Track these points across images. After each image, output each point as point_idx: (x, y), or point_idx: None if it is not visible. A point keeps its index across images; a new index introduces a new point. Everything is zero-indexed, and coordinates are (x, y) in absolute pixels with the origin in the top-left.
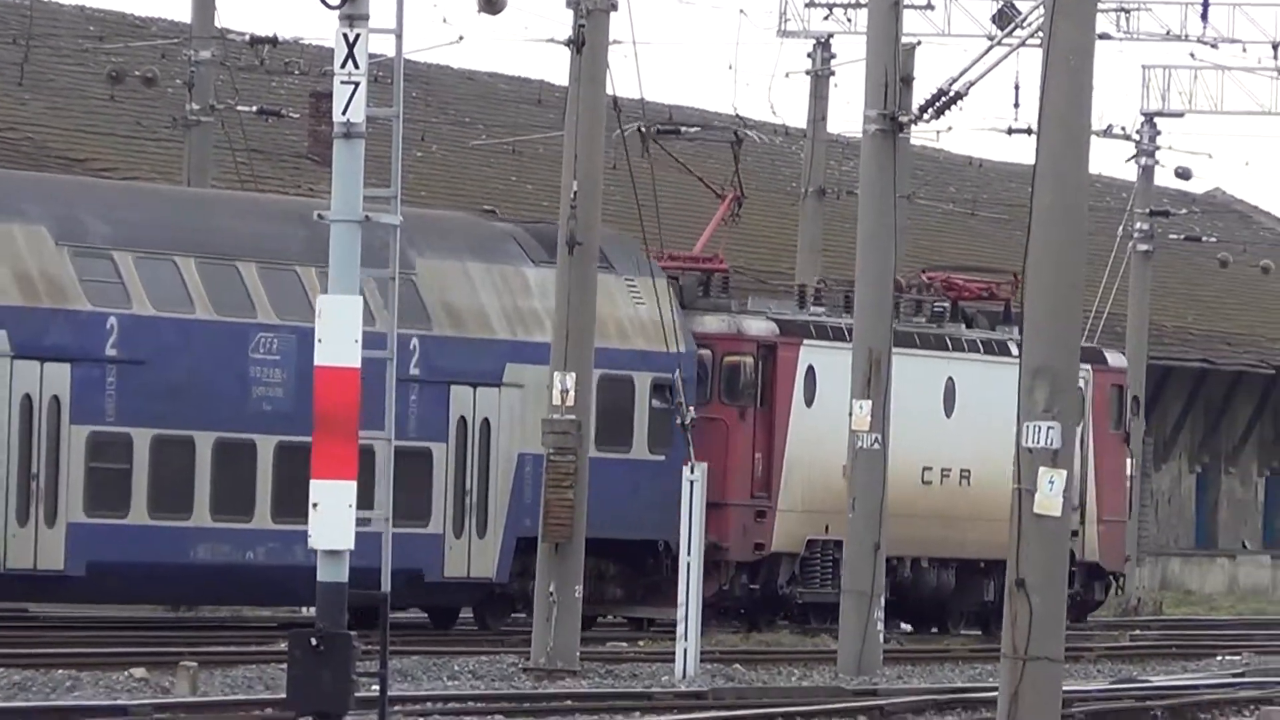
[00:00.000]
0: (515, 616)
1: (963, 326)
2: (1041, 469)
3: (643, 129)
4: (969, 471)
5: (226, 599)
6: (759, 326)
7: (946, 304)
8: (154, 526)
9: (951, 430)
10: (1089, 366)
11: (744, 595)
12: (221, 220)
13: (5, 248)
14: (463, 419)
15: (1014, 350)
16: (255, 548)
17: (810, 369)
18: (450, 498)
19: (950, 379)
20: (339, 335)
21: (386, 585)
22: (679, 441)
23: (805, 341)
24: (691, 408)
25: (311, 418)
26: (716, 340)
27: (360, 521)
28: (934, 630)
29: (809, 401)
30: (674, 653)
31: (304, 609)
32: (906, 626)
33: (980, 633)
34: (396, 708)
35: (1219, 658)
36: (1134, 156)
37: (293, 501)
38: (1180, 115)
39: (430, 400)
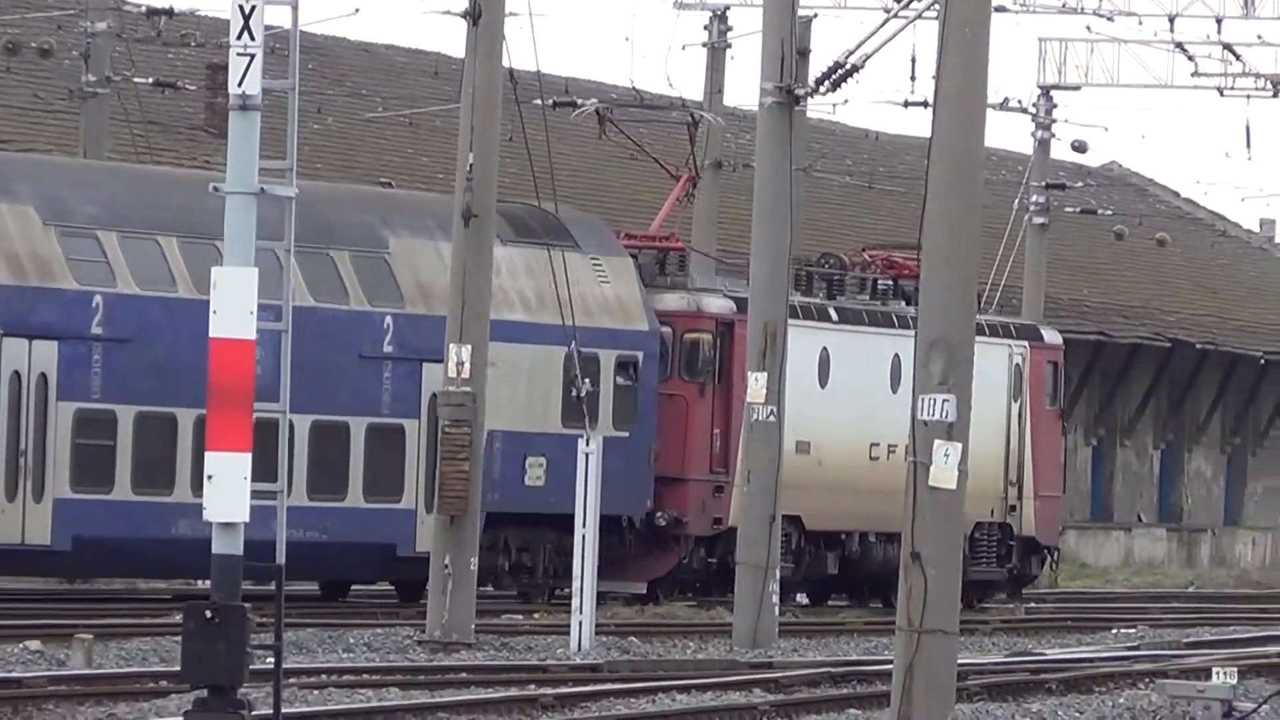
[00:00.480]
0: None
1: (903, 304)
2: (937, 441)
3: (600, 111)
4: None
5: (208, 573)
6: (718, 305)
7: (890, 282)
8: (138, 502)
9: (897, 407)
10: (1026, 343)
11: (701, 569)
12: (200, 200)
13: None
14: (434, 395)
15: None
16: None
17: None
18: (421, 474)
19: (896, 355)
20: (234, 307)
21: (281, 557)
22: (644, 418)
23: None
24: (587, 380)
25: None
26: (677, 318)
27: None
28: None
29: None
30: (569, 626)
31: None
32: (802, 598)
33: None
34: (292, 680)
35: (1114, 631)
36: (1031, 130)
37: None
38: (1076, 88)
39: (403, 378)
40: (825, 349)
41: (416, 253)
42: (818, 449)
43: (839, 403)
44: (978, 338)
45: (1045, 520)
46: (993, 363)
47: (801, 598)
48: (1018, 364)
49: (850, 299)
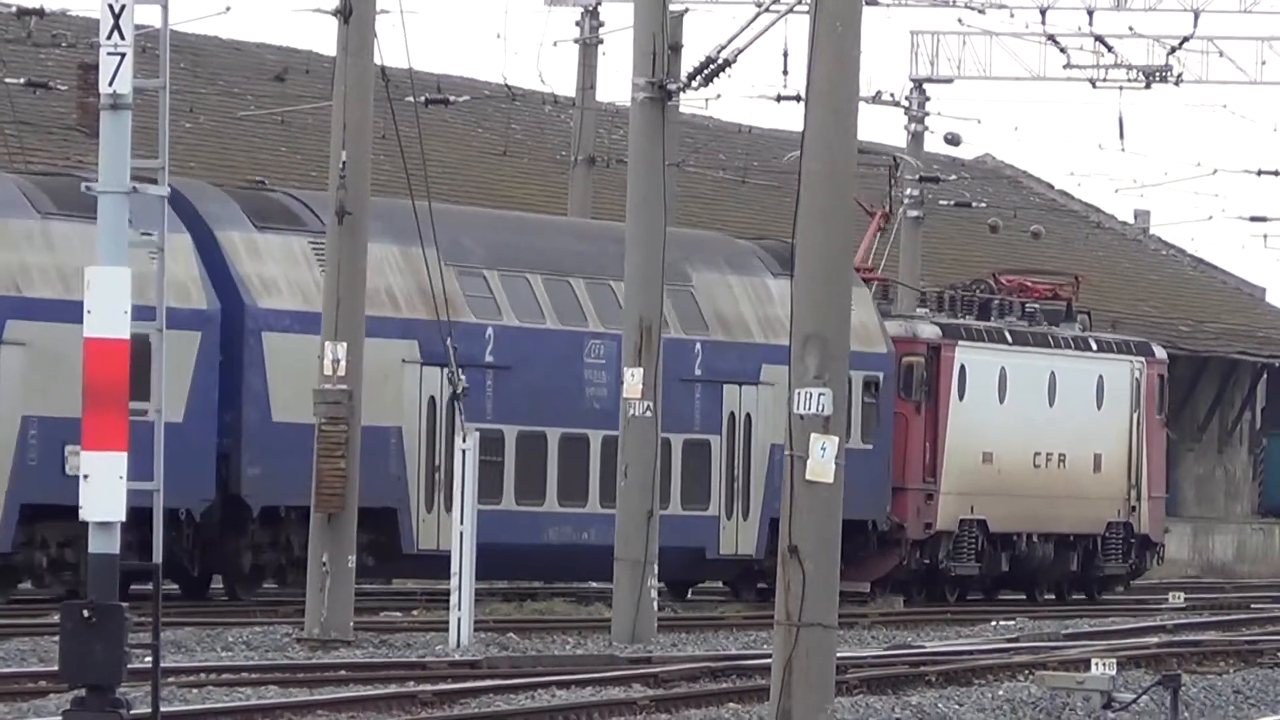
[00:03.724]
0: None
1: (1054, 325)
2: (813, 435)
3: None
4: (1065, 455)
5: (571, 575)
6: (929, 331)
7: (1036, 306)
8: (519, 511)
9: (1053, 419)
10: (1142, 359)
11: (917, 569)
12: (558, 241)
13: (414, 267)
14: (732, 414)
15: (1094, 346)
16: (589, 529)
17: (962, 367)
18: (724, 484)
19: (1053, 373)
20: (108, 307)
21: (158, 556)
22: (883, 432)
23: (960, 343)
24: (464, 376)
25: None
26: (895, 343)
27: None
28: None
29: (961, 396)
30: (448, 623)
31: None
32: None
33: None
34: (170, 679)
35: (993, 623)
36: (904, 123)
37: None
38: (949, 81)
39: (709, 398)
40: (1003, 369)
41: (714, 286)
42: (998, 459)
43: (1012, 416)
44: (1108, 355)
45: (1155, 519)
46: (1119, 378)
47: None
48: (1136, 378)
49: (1010, 322)
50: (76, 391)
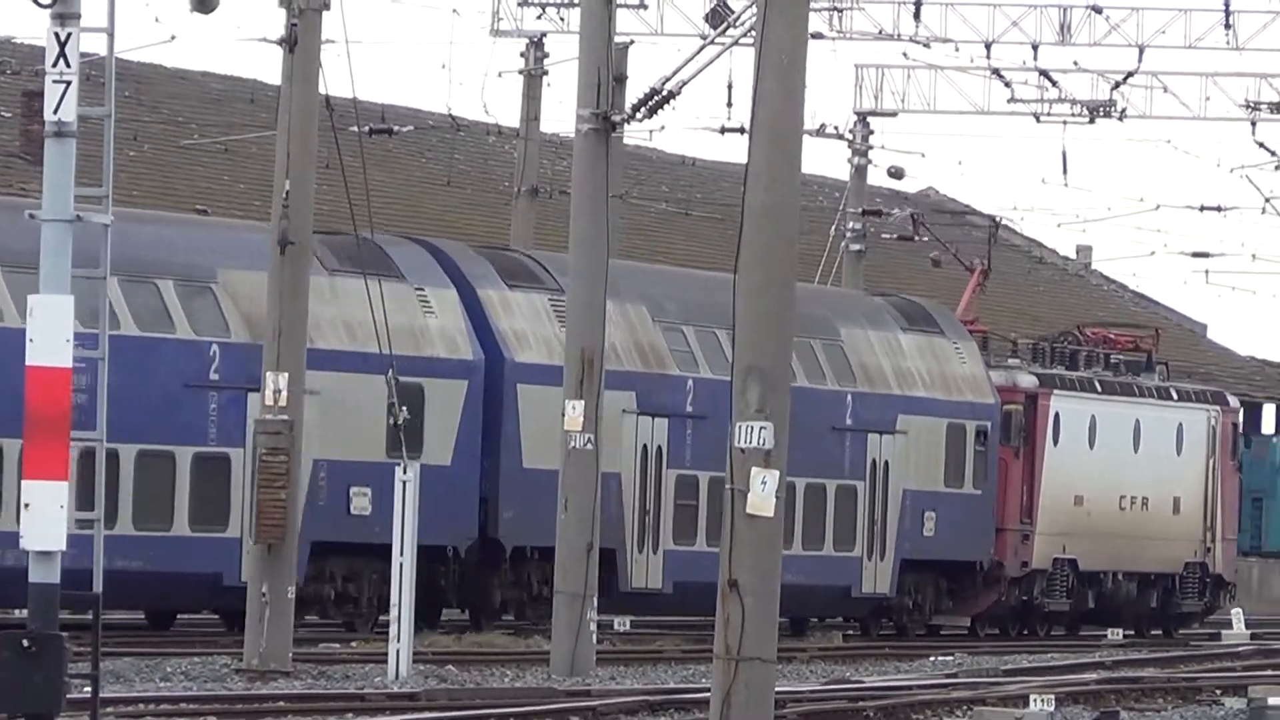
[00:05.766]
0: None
1: (1135, 375)
2: (754, 469)
3: (913, 215)
4: (1148, 499)
5: None
6: (1026, 380)
7: (1121, 357)
8: (708, 552)
9: (1138, 464)
10: (1218, 408)
11: (1016, 605)
12: (718, 295)
13: (629, 323)
14: (873, 461)
15: (1174, 395)
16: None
17: (1057, 415)
18: (866, 526)
19: (1137, 420)
20: (50, 335)
21: (98, 585)
22: (991, 477)
23: (1055, 392)
24: (405, 408)
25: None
26: (997, 392)
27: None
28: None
29: (1055, 442)
30: (387, 654)
31: None
32: (622, 625)
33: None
34: (109, 709)
35: (931, 658)
36: (848, 156)
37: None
38: (893, 115)
39: (856, 446)
40: (1093, 416)
41: (858, 340)
42: (1088, 502)
43: (1101, 462)
44: (1187, 404)
45: (1228, 559)
46: (1197, 426)
47: (621, 625)
48: (1213, 426)
49: (1100, 372)
50: (360, 436)
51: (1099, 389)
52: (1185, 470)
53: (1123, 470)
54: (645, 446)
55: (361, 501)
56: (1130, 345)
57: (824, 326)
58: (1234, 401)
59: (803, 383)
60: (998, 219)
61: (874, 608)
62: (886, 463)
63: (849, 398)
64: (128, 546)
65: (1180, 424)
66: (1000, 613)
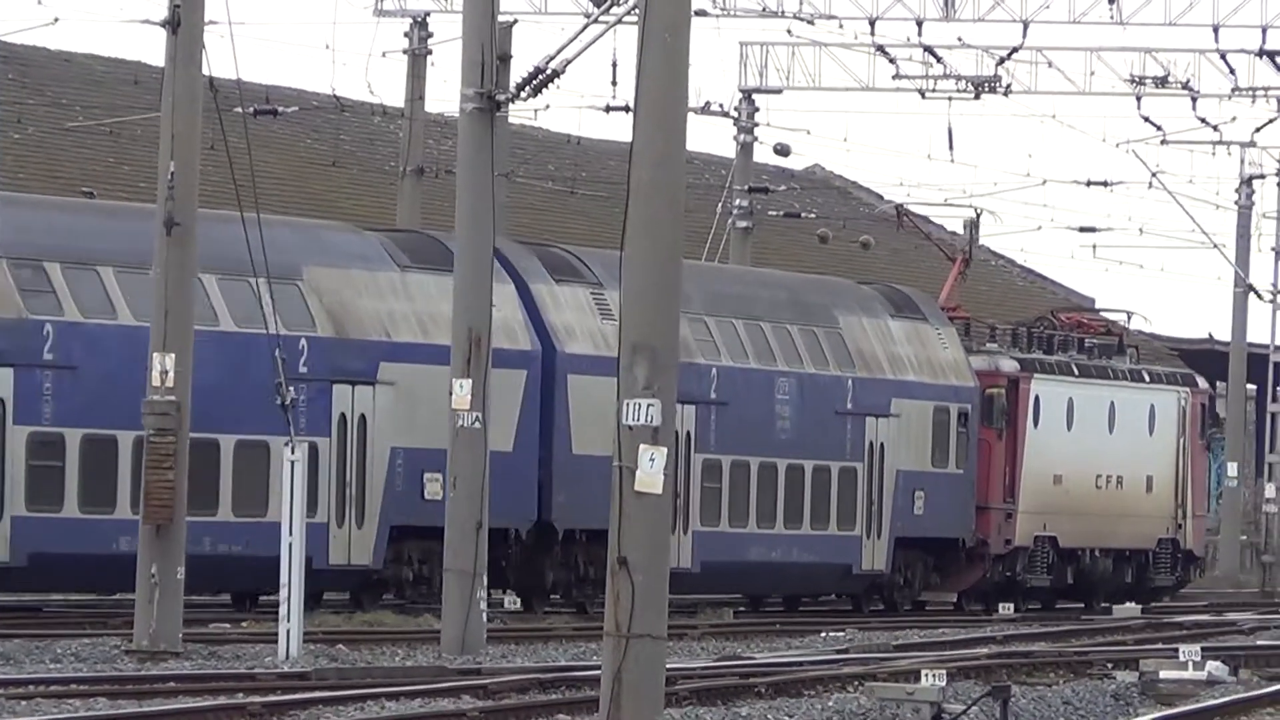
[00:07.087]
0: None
1: (1110, 359)
2: (642, 446)
3: (898, 208)
4: (1122, 477)
5: (775, 589)
6: (1008, 365)
7: (1095, 341)
8: (730, 533)
9: (1112, 444)
10: (1187, 389)
11: (1000, 581)
12: (748, 289)
13: None
14: (870, 443)
15: (1146, 377)
16: (778, 548)
17: (1037, 398)
18: (864, 506)
19: (1112, 402)
20: None
21: None
22: (971, 458)
23: (1035, 376)
24: (291, 388)
25: None
26: (980, 376)
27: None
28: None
29: (1036, 423)
30: (277, 634)
31: None
32: (511, 602)
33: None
34: None
35: (822, 634)
36: (733, 134)
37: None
38: (778, 92)
39: (856, 429)
40: (1071, 399)
41: (855, 328)
42: (1066, 481)
43: (1078, 442)
44: (1158, 386)
45: (1198, 535)
46: (1168, 407)
47: (510, 602)
48: (1183, 406)
49: (1077, 356)
50: (435, 425)
51: (1076, 372)
52: (1157, 450)
53: (1099, 450)
54: (675, 433)
55: (435, 487)
56: (1102, 330)
57: (824, 315)
58: (1203, 383)
59: (809, 369)
60: (978, 210)
61: (869, 584)
62: (882, 444)
63: (849, 383)
64: (231, 532)
65: (1152, 405)
66: (984, 588)
